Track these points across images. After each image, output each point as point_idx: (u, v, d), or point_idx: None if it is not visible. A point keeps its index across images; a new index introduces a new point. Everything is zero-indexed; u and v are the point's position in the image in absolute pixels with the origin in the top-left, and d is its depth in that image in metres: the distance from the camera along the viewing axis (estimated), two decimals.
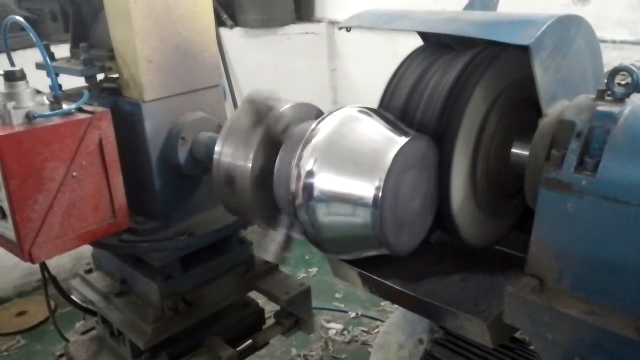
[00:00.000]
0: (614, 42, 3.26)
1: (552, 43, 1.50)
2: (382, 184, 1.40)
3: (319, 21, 5.24)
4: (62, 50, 2.17)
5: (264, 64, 5.04)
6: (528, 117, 1.66)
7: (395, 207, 1.46)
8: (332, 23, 5.15)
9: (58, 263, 3.79)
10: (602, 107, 1.39)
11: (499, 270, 1.74)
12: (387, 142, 1.46)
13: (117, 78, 2.00)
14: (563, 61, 1.57)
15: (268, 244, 1.64)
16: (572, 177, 1.35)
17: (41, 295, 3.66)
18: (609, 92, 1.44)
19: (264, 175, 1.69)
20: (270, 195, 1.68)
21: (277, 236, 1.63)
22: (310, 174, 1.49)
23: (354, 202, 1.45)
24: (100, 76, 2.03)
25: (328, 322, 3.70)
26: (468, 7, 2.06)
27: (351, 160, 1.47)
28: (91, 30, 2.08)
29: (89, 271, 2.41)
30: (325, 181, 1.48)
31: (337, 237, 1.53)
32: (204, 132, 2.02)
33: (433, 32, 1.70)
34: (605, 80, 1.45)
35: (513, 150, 1.69)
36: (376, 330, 3.55)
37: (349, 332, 3.60)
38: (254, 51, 5.05)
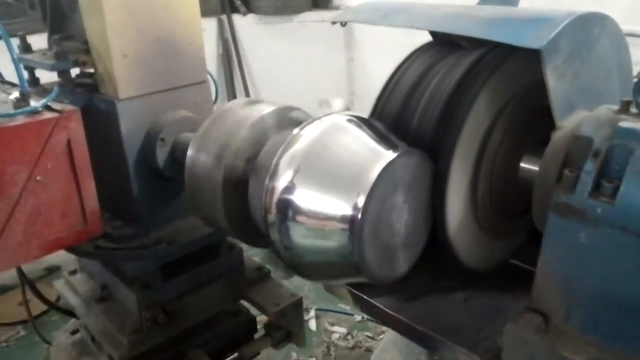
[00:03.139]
0: None
1: (568, 46, 1.30)
2: (362, 203, 1.22)
3: (336, 8, 5.04)
4: (43, 41, 2.04)
5: (278, 52, 4.89)
6: (541, 127, 1.46)
7: (379, 230, 1.29)
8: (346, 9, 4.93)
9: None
10: (626, 123, 1.21)
11: (508, 288, 1.59)
12: (372, 156, 1.29)
13: (93, 73, 1.86)
14: (582, 67, 1.37)
15: None
16: (586, 203, 1.17)
17: (45, 283, 3.64)
18: (636, 104, 1.24)
19: (240, 181, 1.53)
20: (247, 209, 1.53)
21: None
22: (285, 187, 1.33)
23: (329, 223, 1.28)
24: (76, 70, 1.89)
25: (332, 325, 3.56)
26: (485, 1, 1.86)
27: (332, 174, 1.30)
28: (70, 20, 1.94)
29: (73, 272, 2.31)
30: (301, 198, 1.31)
31: (314, 262, 1.37)
32: (185, 132, 1.87)
33: (432, 30, 1.50)
34: (633, 89, 1.24)
35: (522, 164, 1.51)
36: (381, 337, 3.39)
37: (353, 337, 3.46)
38: (268, 39, 4.90)
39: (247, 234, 1.58)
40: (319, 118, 1.39)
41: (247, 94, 4.89)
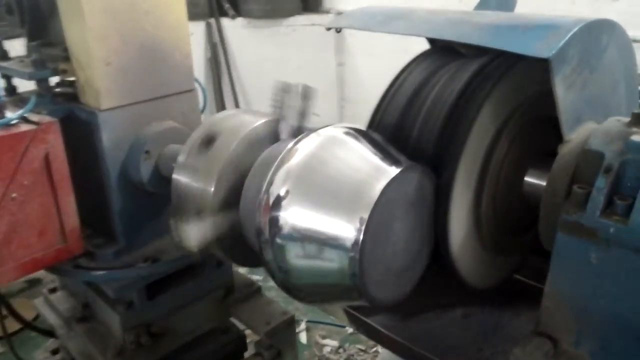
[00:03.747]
0: None
1: (577, 55, 1.23)
2: (364, 223, 1.14)
3: (326, 12, 4.96)
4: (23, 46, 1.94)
5: (268, 57, 4.79)
6: (546, 139, 1.39)
7: (380, 251, 1.21)
8: (340, 14, 4.85)
9: None
10: (638, 137, 1.14)
11: (507, 303, 1.53)
12: (374, 173, 1.21)
13: (74, 82, 1.75)
14: (591, 76, 1.30)
15: (191, 222, 1.39)
16: (597, 222, 1.10)
17: (26, 297, 3.51)
18: None
19: (231, 197, 1.44)
20: (238, 226, 1.43)
21: (206, 220, 1.37)
22: (280, 204, 1.24)
23: (329, 243, 1.20)
24: (56, 79, 1.79)
25: (323, 337, 3.47)
26: (482, 5, 1.79)
27: (330, 192, 1.22)
28: (49, 26, 1.83)
29: (53, 290, 2.20)
30: (297, 216, 1.23)
31: (310, 284, 1.28)
32: (172, 144, 1.77)
33: (435, 37, 1.42)
34: None
35: (527, 179, 1.43)
36: (374, 350, 3.31)
37: (344, 350, 3.37)
38: (257, 43, 4.81)
39: (237, 254, 1.49)
40: (315, 131, 1.31)
41: (236, 99, 4.80)
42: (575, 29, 1.19)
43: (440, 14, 1.48)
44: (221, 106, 4.70)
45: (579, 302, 1.16)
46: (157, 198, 1.82)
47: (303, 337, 3.44)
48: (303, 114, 1.46)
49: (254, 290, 2.16)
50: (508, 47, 1.22)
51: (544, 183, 1.37)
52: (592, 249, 1.10)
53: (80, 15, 1.57)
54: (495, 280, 1.55)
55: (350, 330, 3.54)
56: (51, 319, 2.08)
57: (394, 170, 1.18)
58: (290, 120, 1.45)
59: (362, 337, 3.47)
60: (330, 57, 5.00)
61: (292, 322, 2.06)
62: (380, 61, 4.45)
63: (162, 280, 1.90)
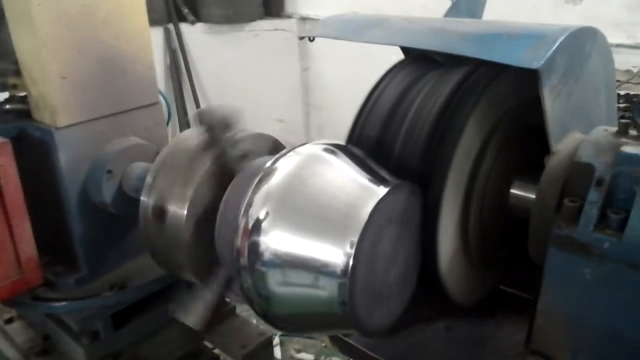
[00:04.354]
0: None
1: (564, 64, 1.21)
2: (354, 247, 1.07)
3: (289, 17, 4.88)
4: None
5: (230, 63, 4.67)
6: (530, 149, 1.36)
7: (370, 276, 1.14)
8: (303, 19, 4.79)
9: None
10: (629, 148, 1.14)
11: (488, 312, 1.51)
12: (361, 193, 1.14)
13: (26, 97, 1.61)
14: (575, 85, 1.29)
15: (191, 304, 1.30)
16: (591, 237, 1.08)
17: None
18: (635, 126, 1.15)
19: (206, 218, 1.35)
20: (211, 247, 1.34)
21: (206, 295, 1.29)
22: (260, 227, 1.16)
23: (315, 269, 1.12)
24: (5, 94, 1.64)
25: (298, 351, 3.37)
26: (451, 11, 1.75)
27: (314, 214, 1.15)
28: None
29: (9, 320, 2.03)
30: (280, 240, 1.15)
31: (293, 313, 1.20)
32: (136, 162, 1.65)
33: (414, 47, 1.36)
34: (629, 113, 1.15)
35: (512, 191, 1.40)
36: None
37: None
38: (219, 49, 4.68)
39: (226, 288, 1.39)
40: (293, 149, 1.23)
41: (198, 107, 4.65)
42: (562, 38, 1.17)
43: (418, 22, 1.43)
44: (183, 115, 4.55)
45: (573, 319, 1.13)
46: (121, 220, 1.70)
47: (277, 352, 3.34)
48: (234, 141, 1.36)
49: (228, 311, 2.06)
50: (494, 57, 1.18)
51: (530, 195, 1.35)
52: (585, 264, 1.07)
53: (30, 25, 1.44)
54: (481, 295, 1.52)
55: (324, 343, 3.46)
56: (8, 352, 1.92)
57: (382, 190, 1.12)
58: (227, 149, 1.35)
59: None
60: (295, 62, 4.92)
61: (269, 344, 1.97)
62: (345, 66, 4.41)
63: (130, 307, 1.77)
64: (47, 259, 1.70)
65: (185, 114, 4.59)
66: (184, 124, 4.55)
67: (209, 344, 2.16)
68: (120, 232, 1.72)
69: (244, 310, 2.09)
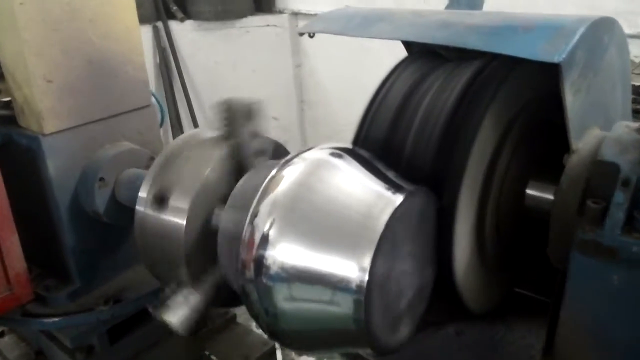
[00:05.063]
0: None
1: (584, 57, 1.14)
2: (369, 260, 0.99)
3: (280, 12, 4.78)
4: None
5: (221, 61, 4.57)
6: (544, 146, 1.30)
7: (386, 289, 1.07)
8: (295, 14, 4.69)
9: None
10: None
11: (499, 316, 1.43)
12: (374, 201, 1.06)
13: (10, 103, 1.52)
14: (594, 79, 1.21)
15: (175, 305, 1.23)
16: (618, 241, 1.01)
17: None
18: None
19: (208, 219, 1.29)
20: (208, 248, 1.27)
21: (192, 298, 1.22)
22: (267, 239, 1.08)
23: (329, 284, 1.04)
24: None
25: (299, 354, 3.31)
26: (453, 3, 1.68)
27: (325, 225, 1.07)
28: None
29: (0, 334, 1.94)
30: (288, 252, 1.08)
31: (302, 330, 1.12)
32: (130, 168, 1.57)
33: (425, 42, 1.28)
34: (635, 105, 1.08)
35: (529, 191, 1.33)
36: None
37: None
38: (209, 47, 4.57)
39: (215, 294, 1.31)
40: (299, 155, 1.15)
41: (190, 105, 4.55)
42: (582, 29, 1.09)
43: (425, 15, 1.35)
44: (175, 115, 4.45)
45: (599, 329, 1.07)
46: (115, 229, 1.62)
47: (279, 355, 3.27)
48: (254, 134, 1.31)
49: (229, 319, 1.98)
50: (510, 51, 1.11)
51: (547, 196, 1.29)
52: (612, 270, 1.01)
53: (14, 26, 1.35)
54: (497, 300, 1.45)
55: None
56: None
57: (397, 197, 1.04)
58: (246, 141, 1.30)
59: None
60: (287, 58, 4.82)
61: (273, 353, 1.90)
62: (339, 62, 4.32)
63: (127, 319, 1.69)
64: (38, 271, 1.62)
65: (177, 113, 4.49)
66: (176, 124, 4.45)
67: (210, 353, 2.09)
68: (114, 242, 1.64)
69: (244, 312, 2.03)
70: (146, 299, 1.64)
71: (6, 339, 1.96)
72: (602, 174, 1.06)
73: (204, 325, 1.93)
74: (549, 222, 1.19)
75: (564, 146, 1.15)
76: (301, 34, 1.50)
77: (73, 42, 1.46)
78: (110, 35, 1.54)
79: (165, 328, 1.67)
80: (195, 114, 4.55)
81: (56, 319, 1.53)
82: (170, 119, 4.40)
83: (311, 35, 1.53)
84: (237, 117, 1.28)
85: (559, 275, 1.18)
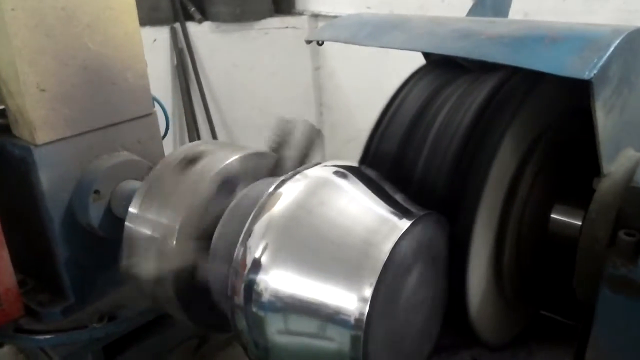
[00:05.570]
0: None
1: (618, 72, 1.02)
2: (371, 292, 0.90)
3: (300, 14, 4.69)
4: None
5: (239, 63, 4.51)
6: (570, 167, 1.21)
7: (389, 325, 0.98)
8: (315, 16, 4.61)
9: None
10: None
11: (519, 342, 1.34)
12: (378, 226, 0.97)
13: (3, 111, 1.46)
14: (630, 96, 1.09)
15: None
16: None
17: None
18: None
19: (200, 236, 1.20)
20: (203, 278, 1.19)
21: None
22: (259, 263, 1.00)
23: (324, 317, 0.95)
24: None
25: None
26: (477, 6, 1.57)
27: (324, 250, 0.99)
28: None
29: None
30: (282, 279, 0.99)
31: None
32: (127, 180, 1.49)
33: (440, 53, 1.17)
34: None
35: (554, 216, 1.22)
36: None
37: None
38: (227, 49, 4.52)
39: (199, 313, 1.24)
40: (300, 172, 1.06)
41: (206, 108, 4.50)
42: (617, 42, 0.97)
43: (443, 23, 1.24)
44: (192, 117, 4.40)
45: None
46: (111, 244, 1.53)
47: None
48: (304, 157, 1.22)
49: (230, 336, 1.89)
50: (535, 65, 1.00)
51: (574, 221, 1.18)
52: None
53: (4, 32, 1.28)
54: (515, 333, 1.34)
55: None
56: None
57: (404, 223, 0.95)
58: (289, 162, 1.22)
59: None
60: (306, 61, 4.74)
61: None
62: (359, 64, 4.21)
63: (122, 338, 1.62)
64: (33, 284, 1.56)
65: (194, 115, 4.44)
66: (192, 127, 4.40)
67: None
68: (109, 256, 1.56)
69: None
70: (142, 317, 1.56)
71: (5, 349, 1.92)
72: (636, 202, 0.97)
73: (205, 341, 1.85)
74: (576, 252, 1.07)
75: (594, 167, 1.04)
76: (308, 42, 1.41)
77: (68, 49, 1.39)
78: (109, 42, 1.46)
79: (161, 347, 1.61)
80: (212, 116, 4.49)
81: (49, 336, 1.47)
82: (186, 120, 4.36)
83: (320, 43, 1.44)
84: (292, 136, 1.24)
85: (585, 309, 1.07)
